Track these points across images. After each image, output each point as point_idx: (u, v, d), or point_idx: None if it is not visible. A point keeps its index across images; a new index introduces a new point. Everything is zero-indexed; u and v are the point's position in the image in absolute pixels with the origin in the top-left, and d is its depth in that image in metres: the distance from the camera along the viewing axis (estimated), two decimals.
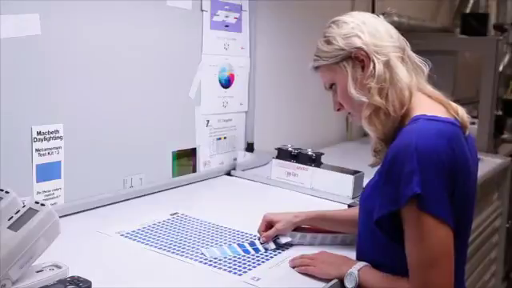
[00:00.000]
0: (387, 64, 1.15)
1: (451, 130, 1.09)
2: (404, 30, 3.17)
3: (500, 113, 3.23)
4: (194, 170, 2.04)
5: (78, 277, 1.08)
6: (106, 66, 1.66)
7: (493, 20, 4.06)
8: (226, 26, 2.10)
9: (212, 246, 1.39)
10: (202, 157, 2.06)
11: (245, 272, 1.23)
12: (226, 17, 2.09)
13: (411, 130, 1.08)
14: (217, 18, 2.05)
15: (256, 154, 2.21)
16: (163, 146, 1.90)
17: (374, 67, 1.15)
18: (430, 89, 1.21)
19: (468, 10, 4.15)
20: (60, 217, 1.12)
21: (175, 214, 1.62)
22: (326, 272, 1.21)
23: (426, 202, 1.02)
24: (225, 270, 1.24)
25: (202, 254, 1.33)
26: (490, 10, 4.30)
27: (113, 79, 1.68)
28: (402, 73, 1.15)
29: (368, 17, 1.22)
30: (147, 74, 1.80)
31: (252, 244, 1.40)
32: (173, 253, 1.33)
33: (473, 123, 3.34)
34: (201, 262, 1.28)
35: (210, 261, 1.28)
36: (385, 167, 1.10)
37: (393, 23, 3.60)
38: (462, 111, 1.16)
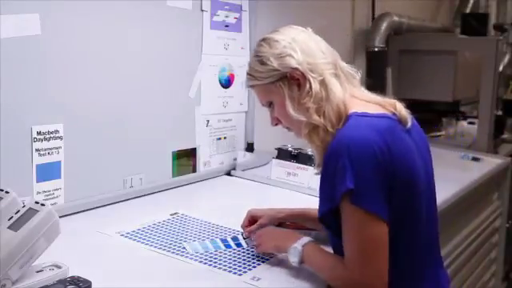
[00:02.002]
0: (322, 82, 1.17)
1: (383, 123, 1.12)
2: (404, 30, 3.19)
3: (500, 113, 3.23)
4: (194, 170, 2.04)
5: (78, 277, 1.08)
6: (106, 66, 1.66)
7: (493, 20, 4.06)
8: (226, 26, 2.10)
9: (194, 240, 1.40)
10: (202, 157, 2.06)
11: (245, 272, 1.23)
12: (226, 17, 2.09)
13: (343, 128, 1.13)
14: (217, 18, 2.05)
15: (256, 154, 2.21)
16: (163, 146, 1.90)
17: (311, 87, 1.17)
18: (364, 94, 1.24)
19: (468, 10, 4.15)
20: (60, 217, 1.12)
21: (175, 214, 1.62)
22: (271, 246, 1.26)
23: (357, 196, 1.05)
24: (225, 270, 1.24)
25: (184, 248, 1.35)
26: (490, 10, 4.31)
27: (113, 79, 1.68)
28: (337, 89, 1.18)
29: (298, 32, 1.23)
30: (147, 73, 1.80)
31: (235, 239, 1.42)
32: (173, 253, 1.33)
33: (473, 123, 3.34)
34: (201, 261, 1.28)
35: (211, 261, 1.28)
36: (322, 167, 1.14)
37: (393, 23, 3.59)
38: (399, 106, 1.19)
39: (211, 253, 1.33)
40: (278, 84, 1.20)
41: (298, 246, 1.19)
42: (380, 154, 1.06)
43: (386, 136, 1.09)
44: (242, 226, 1.46)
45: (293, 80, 1.18)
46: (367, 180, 1.05)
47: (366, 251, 1.07)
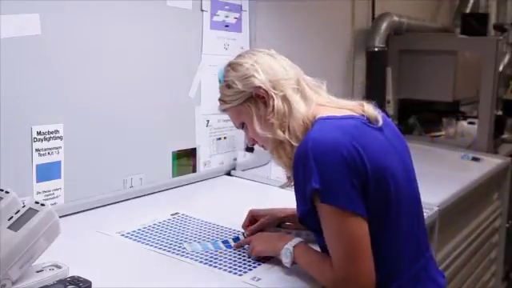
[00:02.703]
0: (284, 98, 1.21)
1: (349, 124, 1.15)
2: (404, 30, 3.19)
3: (500, 113, 3.23)
4: (194, 170, 2.04)
5: (78, 277, 1.08)
6: (106, 66, 1.66)
7: (493, 20, 4.07)
8: (226, 26, 2.10)
9: (195, 240, 1.41)
10: (202, 157, 2.06)
11: (245, 272, 1.23)
12: (226, 17, 2.09)
13: (309, 133, 1.15)
14: (217, 18, 2.05)
15: (256, 154, 2.21)
16: (163, 146, 1.90)
17: (274, 103, 1.20)
18: (332, 100, 1.26)
19: (468, 10, 4.15)
20: (60, 217, 1.12)
21: (175, 214, 1.62)
22: (265, 249, 1.27)
23: (326, 195, 1.07)
24: (225, 270, 1.24)
25: (184, 248, 1.35)
26: (490, 10, 4.31)
27: (113, 79, 1.68)
28: (299, 104, 1.21)
29: (260, 55, 1.27)
30: (147, 73, 1.80)
31: (236, 239, 1.42)
32: (173, 253, 1.33)
33: (473, 123, 3.33)
34: (201, 262, 1.28)
35: (211, 261, 1.28)
36: (292, 172, 1.16)
37: (393, 23, 3.59)
38: (367, 106, 1.22)
39: (211, 253, 1.33)
40: (246, 104, 1.25)
41: (289, 246, 1.21)
42: (347, 153, 1.07)
43: (353, 135, 1.11)
44: (242, 226, 1.47)
45: (258, 98, 1.23)
46: (335, 178, 1.07)
47: (348, 250, 1.08)
